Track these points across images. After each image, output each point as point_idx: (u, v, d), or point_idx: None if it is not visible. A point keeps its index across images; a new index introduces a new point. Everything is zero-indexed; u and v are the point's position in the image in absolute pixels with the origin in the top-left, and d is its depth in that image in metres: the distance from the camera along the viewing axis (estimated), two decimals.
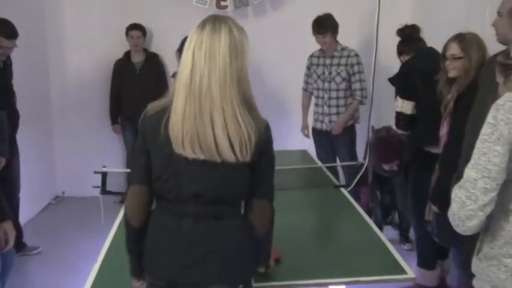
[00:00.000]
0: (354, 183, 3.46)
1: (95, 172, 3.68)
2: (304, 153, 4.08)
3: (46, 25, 4.81)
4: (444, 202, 2.43)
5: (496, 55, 2.29)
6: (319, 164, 3.76)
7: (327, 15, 4.12)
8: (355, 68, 4.13)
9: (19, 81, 3.85)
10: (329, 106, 4.20)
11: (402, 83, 3.25)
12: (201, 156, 1.52)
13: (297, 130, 4.52)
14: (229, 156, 1.51)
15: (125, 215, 1.66)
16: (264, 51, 4.70)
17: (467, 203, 1.54)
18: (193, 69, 1.51)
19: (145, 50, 4.91)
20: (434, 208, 2.68)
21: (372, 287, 2.19)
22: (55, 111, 5.07)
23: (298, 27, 4.88)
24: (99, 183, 4.10)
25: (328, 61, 4.20)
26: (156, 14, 4.93)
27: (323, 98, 4.23)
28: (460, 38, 2.69)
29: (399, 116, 3.20)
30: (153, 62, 4.90)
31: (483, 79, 2.35)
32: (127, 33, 4.78)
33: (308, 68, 4.35)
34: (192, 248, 1.59)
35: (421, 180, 3.02)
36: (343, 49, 4.19)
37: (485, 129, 1.58)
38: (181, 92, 1.52)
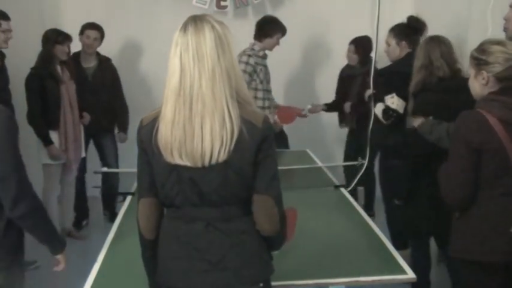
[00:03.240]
0: (354, 183, 3.46)
1: (95, 172, 3.68)
2: (304, 153, 4.08)
3: (46, 26, 4.80)
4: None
5: None
6: (319, 164, 3.76)
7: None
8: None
9: (18, 82, 3.85)
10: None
11: (402, 83, 3.25)
12: (188, 163, 1.50)
13: (296, 130, 4.52)
14: (206, 160, 1.49)
15: (138, 229, 1.65)
16: None
17: None
18: (182, 74, 1.49)
19: (97, 54, 4.34)
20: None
21: (372, 287, 2.19)
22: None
23: (298, 27, 4.89)
24: (99, 183, 4.12)
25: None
26: (156, 14, 4.92)
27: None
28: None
29: (392, 111, 3.23)
30: (107, 67, 4.35)
31: None
32: (82, 32, 4.22)
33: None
34: (205, 253, 1.57)
35: (391, 167, 3.30)
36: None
37: None
38: (170, 99, 1.50)
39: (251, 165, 1.53)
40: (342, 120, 4.51)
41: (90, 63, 4.27)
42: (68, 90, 3.90)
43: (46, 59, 3.81)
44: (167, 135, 1.50)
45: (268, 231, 1.60)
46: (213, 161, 1.49)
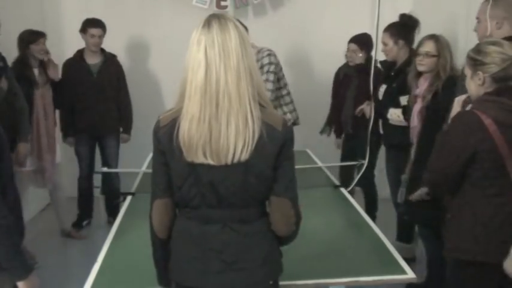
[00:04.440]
0: (354, 183, 3.47)
1: (95, 172, 3.69)
2: (304, 153, 4.08)
3: (46, 26, 4.80)
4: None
5: None
6: (319, 164, 3.76)
7: None
8: (265, 68, 3.69)
9: None
10: None
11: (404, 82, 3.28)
12: (211, 161, 1.50)
13: (296, 130, 4.51)
14: (229, 158, 1.49)
15: (152, 228, 1.65)
16: None
17: None
18: (208, 70, 1.48)
19: (102, 51, 4.26)
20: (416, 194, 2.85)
21: (372, 287, 2.19)
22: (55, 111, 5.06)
23: (298, 27, 4.90)
24: (100, 183, 4.12)
25: None
26: (156, 14, 4.92)
27: None
28: (436, 38, 3.03)
29: (411, 110, 3.26)
30: (112, 64, 4.28)
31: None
32: (85, 30, 4.13)
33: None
34: (221, 254, 1.58)
35: (400, 164, 3.33)
36: (258, 52, 3.74)
37: None
38: (196, 96, 1.49)
39: (271, 168, 1.55)
40: (326, 128, 4.39)
41: (95, 60, 4.20)
42: (44, 96, 3.80)
43: (20, 62, 3.71)
44: (192, 132, 1.49)
45: (284, 232, 1.64)
46: (235, 160, 1.49)
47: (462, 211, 2.11)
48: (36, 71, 3.80)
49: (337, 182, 3.35)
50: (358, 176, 3.47)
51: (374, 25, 3.43)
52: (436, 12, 4.06)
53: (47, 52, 3.87)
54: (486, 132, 1.98)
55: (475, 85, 2.09)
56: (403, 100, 3.37)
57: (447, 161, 2.08)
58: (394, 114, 3.41)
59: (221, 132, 1.48)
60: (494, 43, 2.08)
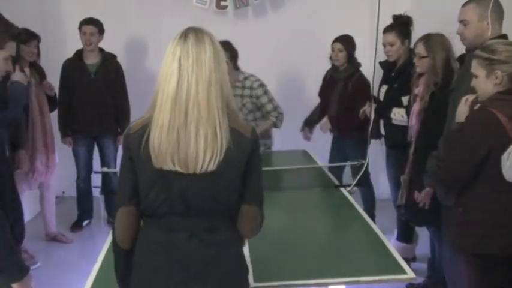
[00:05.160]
0: (354, 183, 3.47)
1: (95, 172, 3.69)
2: (304, 153, 4.08)
3: (46, 26, 4.80)
4: (421, 186, 2.83)
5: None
6: (319, 164, 3.76)
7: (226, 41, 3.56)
8: (263, 99, 3.83)
9: None
10: None
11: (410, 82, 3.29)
12: (179, 169, 1.51)
13: (296, 130, 4.52)
14: (198, 167, 1.51)
15: (114, 240, 1.63)
16: (264, 51, 4.70)
17: None
18: (180, 79, 1.51)
19: (101, 50, 4.25)
20: (418, 194, 2.89)
21: (372, 287, 2.19)
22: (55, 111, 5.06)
23: (299, 27, 4.89)
24: (99, 184, 4.12)
25: None
26: (156, 14, 4.92)
27: None
28: (426, 39, 3.04)
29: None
30: (111, 64, 4.24)
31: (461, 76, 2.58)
32: (79, 29, 4.14)
33: None
34: (187, 264, 1.56)
35: (400, 164, 3.33)
36: (245, 78, 3.83)
37: None
38: (166, 104, 1.51)
39: (240, 177, 1.57)
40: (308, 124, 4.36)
41: (93, 60, 4.17)
42: (38, 96, 3.74)
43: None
44: (162, 140, 1.51)
45: (250, 235, 1.69)
46: (203, 170, 1.51)
47: (474, 207, 2.14)
48: (27, 71, 3.72)
49: (337, 182, 3.35)
50: (358, 176, 3.47)
51: (374, 25, 3.43)
52: (435, 12, 4.06)
53: (37, 54, 3.82)
54: (503, 129, 2.03)
55: (492, 84, 2.12)
56: (405, 100, 3.38)
57: (463, 159, 2.11)
58: (398, 114, 3.41)
59: (190, 141, 1.50)
60: (504, 43, 2.14)
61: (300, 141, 4.42)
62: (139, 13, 4.91)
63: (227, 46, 3.51)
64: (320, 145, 4.38)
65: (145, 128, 1.55)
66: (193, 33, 1.56)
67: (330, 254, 2.25)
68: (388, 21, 3.58)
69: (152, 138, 1.52)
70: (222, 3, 4.82)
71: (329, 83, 4.18)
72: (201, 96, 1.50)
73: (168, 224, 1.58)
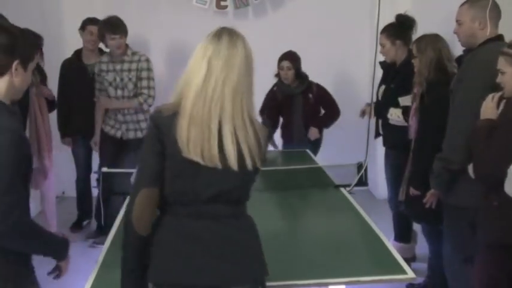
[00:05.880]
0: (354, 183, 3.46)
1: (95, 172, 3.68)
2: (304, 153, 4.08)
3: (46, 26, 4.80)
4: (419, 183, 2.88)
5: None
6: (319, 164, 3.76)
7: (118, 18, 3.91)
8: (144, 74, 3.92)
9: None
10: (123, 114, 3.99)
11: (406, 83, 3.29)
12: (202, 161, 1.54)
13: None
14: (234, 165, 1.55)
15: (128, 225, 1.58)
16: (264, 52, 4.68)
17: None
18: (207, 76, 1.54)
19: (100, 51, 4.26)
20: (414, 191, 2.94)
21: (372, 287, 2.19)
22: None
23: (298, 27, 4.90)
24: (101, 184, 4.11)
25: (118, 66, 3.93)
26: (156, 14, 4.93)
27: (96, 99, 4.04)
28: (418, 40, 3.07)
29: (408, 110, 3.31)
30: None
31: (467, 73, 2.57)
32: (84, 28, 4.15)
33: (98, 75, 4.01)
34: (213, 249, 1.58)
35: (399, 163, 3.34)
36: (133, 54, 3.96)
37: None
38: (190, 95, 1.54)
39: (256, 173, 1.66)
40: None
41: (92, 60, 4.16)
42: (38, 97, 3.70)
43: None
44: (188, 131, 1.53)
45: None
46: (227, 166, 1.55)
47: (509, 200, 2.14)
48: None
49: (337, 182, 3.35)
50: (358, 176, 3.46)
51: (374, 25, 3.44)
52: (434, 12, 4.06)
53: (41, 56, 3.77)
54: None
55: None
56: (402, 101, 3.39)
57: (503, 155, 2.11)
58: (394, 114, 3.43)
59: (211, 139, 1.53)
60: None
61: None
62: (139, 13, 4.91)
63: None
64: (320, 145, 4.39)
65: (175, 114, 1.56)
66: (227, 35, 1.58)
67: (330, 254, 2.25)
68: (388, 21, 3.58)
69: (180, 127, 1.53)
70: (222, 3, 4.83)
71: (284, 101, 4.26)
72: (226, 98, 1.53)
73: (193, 211, 1.59)
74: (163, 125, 1.57)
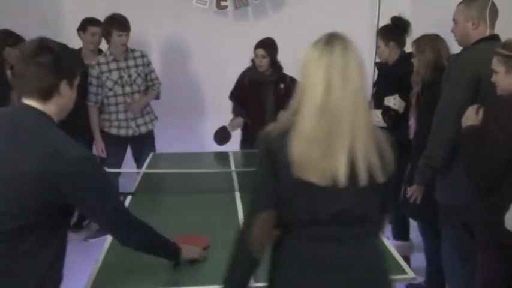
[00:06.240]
0: None
1: None
2: None
3: (46, 26, 4.80)
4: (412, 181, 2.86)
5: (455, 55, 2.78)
6: None
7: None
8: (151, 66, 4.19)
9: None
10: (125, 112, 4.06)
11: (403, 84, 3.27)
12: (321, 181, 1.45)
13: None
14: (364, 182, 1.47)
15: (245, 246, 1.53)
16: None
17: None
18: (327, 88, 1.45)
19: (99, 51, 4.27)
20: (410, 190, 2.93)
21: None
22: None
23: (299, 27, 4.89)
24: None
25: (122, 64, 4.00)
26: (156, 14, 4.92)
27: (124, 103, 4.05)
28: (417, 40, 3.08)
29: (393, 111, 3.37)
30: None
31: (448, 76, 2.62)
32: (84, 29, 4.16)
33: (97, 77, 3.99)
34: (338, 273, 1.51)
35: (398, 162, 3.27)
36: (132, 50, 4.07)
37: None
38: (311, 112, 1.46)
39: (388, 186, 1.57)
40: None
41: (92, 60, 4.12)
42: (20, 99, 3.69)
43: None
44: (305, 150, 1.45)
45: None
46: (347, 184, 1.46)
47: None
48: (9, 73, 3.65)
49: None
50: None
51: (374, 25, 3.44)
52: (434, 12, 4.06)
53: None
54: None
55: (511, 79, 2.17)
56: (387, 101, 3.40)
57: (496, 152, 2.12)
58: (374, 115, 3.41)
59: (336, 154, 1.45)
60: None
61: None
62: (139, 13, 4.90)
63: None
64: None
65: (286, 133, 1.49)
66: (339, 42, 1.50)
67: None
68: (389, 20, 3.59)
69: (297, 147, 1.46)
70: (222, 3, 4.82)
71: (255, 85, 4.09)
72: (348, 108, 1.45)
73: (313, 233, 1.52)
74: (274, 146, 1.51)
